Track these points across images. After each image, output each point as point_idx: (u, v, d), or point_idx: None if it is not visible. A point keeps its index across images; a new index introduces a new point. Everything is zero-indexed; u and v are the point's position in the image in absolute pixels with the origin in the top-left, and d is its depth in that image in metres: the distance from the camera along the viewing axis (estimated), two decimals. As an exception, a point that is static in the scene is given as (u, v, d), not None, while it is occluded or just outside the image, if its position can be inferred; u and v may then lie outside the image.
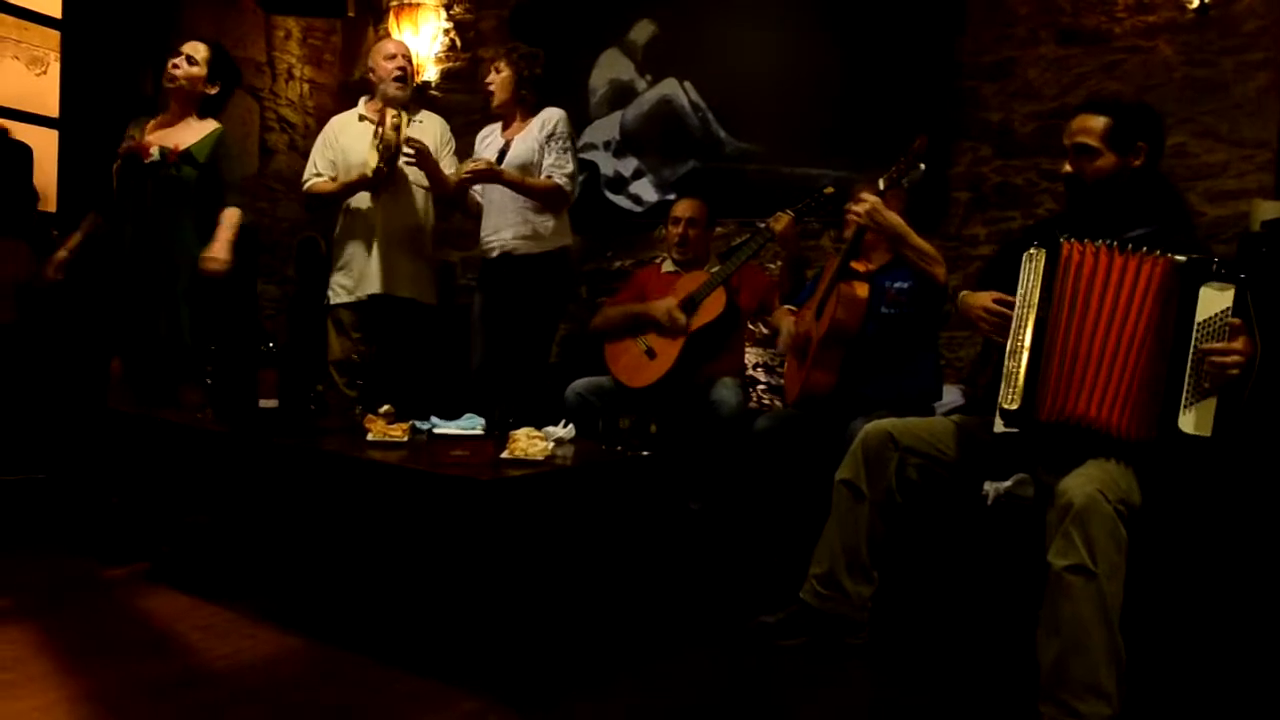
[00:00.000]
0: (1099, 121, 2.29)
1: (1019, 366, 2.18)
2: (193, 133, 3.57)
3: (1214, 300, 2.06)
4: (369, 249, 3.82)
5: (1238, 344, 2.01)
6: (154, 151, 3.47)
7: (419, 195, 3.90)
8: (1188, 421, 2.04)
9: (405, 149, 3.63)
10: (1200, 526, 2.42)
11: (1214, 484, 2.47)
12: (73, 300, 3.84)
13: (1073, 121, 2.35)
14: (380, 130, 3.66)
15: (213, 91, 3.60)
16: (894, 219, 2.82)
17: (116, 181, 3.58)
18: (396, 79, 3.80)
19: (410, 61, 3.92)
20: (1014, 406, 2.17)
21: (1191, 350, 2.06)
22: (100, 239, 3.68)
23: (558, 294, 3.87)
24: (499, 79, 3.80)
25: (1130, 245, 2.16)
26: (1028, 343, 2.18)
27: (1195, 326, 2.06)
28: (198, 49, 3.58)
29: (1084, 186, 2.32)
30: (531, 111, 3.84)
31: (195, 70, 3.56)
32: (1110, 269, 2.16)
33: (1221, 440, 2.04)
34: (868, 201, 2.78)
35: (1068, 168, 2.34)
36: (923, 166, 2.78)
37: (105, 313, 3.59)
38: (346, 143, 3.85)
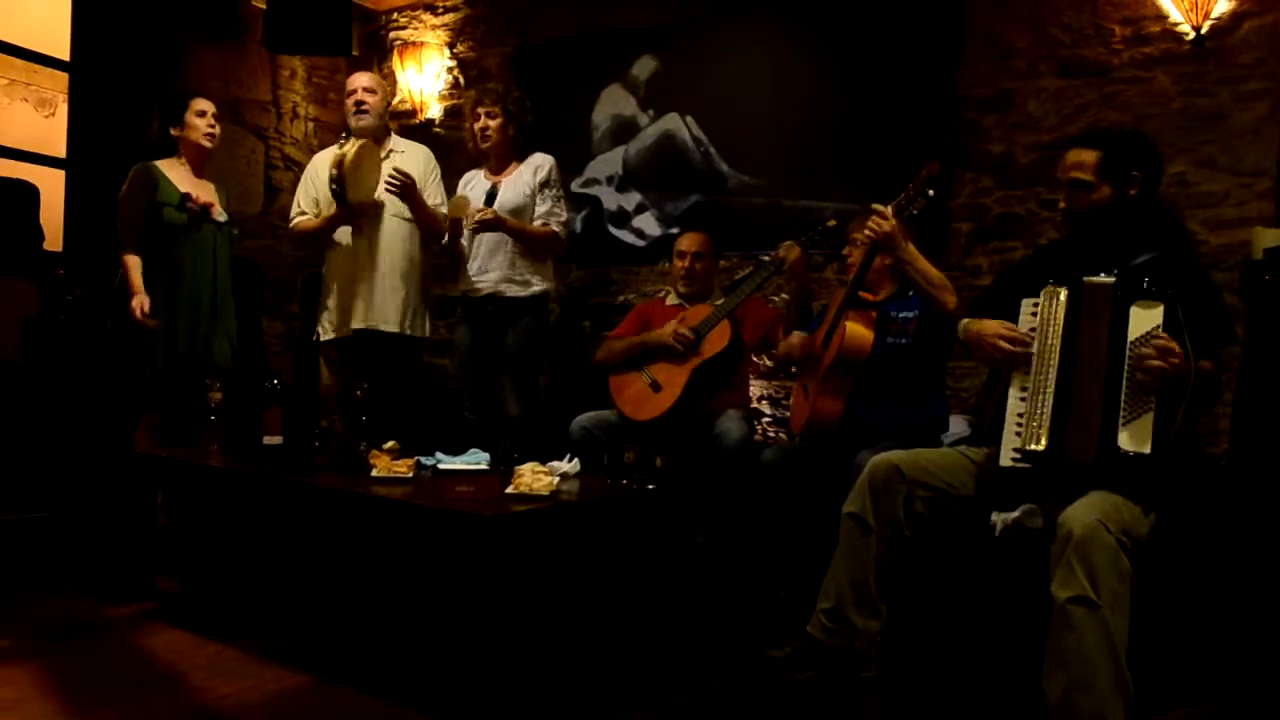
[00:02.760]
0: (1090, 156, 2.31)
1: (1044, 407, 2.17)
2: (207, 187, 3.78)
3: (1144, 319, 2.09)
4: (353, 284, 3.83)
5: (1173, 348, 2.02)
6: (220, 212, 3.76)
7: (404, 227, 3.88)
8: (1125, 439, 2.05)
9: (389, 179, 3.66)
10: (1207, 556, 2.40)
11: (1220, 513, 2.45)
12: (85, 340, 3.88)
13: (1065, 157, 2.36)
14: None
15: None
16: (909, 245, 2.79)
17: (164, 229, 3.63)
18: (357, 113, 3.83)
19: (372, 92, 3.87)
20: (1040, 448, 2.15)
21: (1125, 368, 2.07)
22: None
23: (541, 335, 3.90)
24: (495, 125, 3.81)
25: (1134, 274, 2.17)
26: (1052, 384, 2.17)
27: (1128, 345, 2.08)
28: (210, 105, 3.76)
29: (1082, 218, 2.33)
30: (519, 155, 3.87)
31: (218, 129, 3.78)
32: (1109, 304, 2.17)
33: (1162, 457, 2.04)
34: (890, 221, 2.70)
35: (1063, 204, 2.35)
36: (931, 193, 2.76)
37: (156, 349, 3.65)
38: (325, 180, 3.85)
